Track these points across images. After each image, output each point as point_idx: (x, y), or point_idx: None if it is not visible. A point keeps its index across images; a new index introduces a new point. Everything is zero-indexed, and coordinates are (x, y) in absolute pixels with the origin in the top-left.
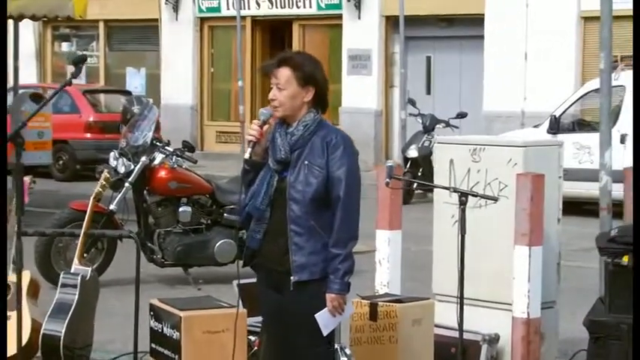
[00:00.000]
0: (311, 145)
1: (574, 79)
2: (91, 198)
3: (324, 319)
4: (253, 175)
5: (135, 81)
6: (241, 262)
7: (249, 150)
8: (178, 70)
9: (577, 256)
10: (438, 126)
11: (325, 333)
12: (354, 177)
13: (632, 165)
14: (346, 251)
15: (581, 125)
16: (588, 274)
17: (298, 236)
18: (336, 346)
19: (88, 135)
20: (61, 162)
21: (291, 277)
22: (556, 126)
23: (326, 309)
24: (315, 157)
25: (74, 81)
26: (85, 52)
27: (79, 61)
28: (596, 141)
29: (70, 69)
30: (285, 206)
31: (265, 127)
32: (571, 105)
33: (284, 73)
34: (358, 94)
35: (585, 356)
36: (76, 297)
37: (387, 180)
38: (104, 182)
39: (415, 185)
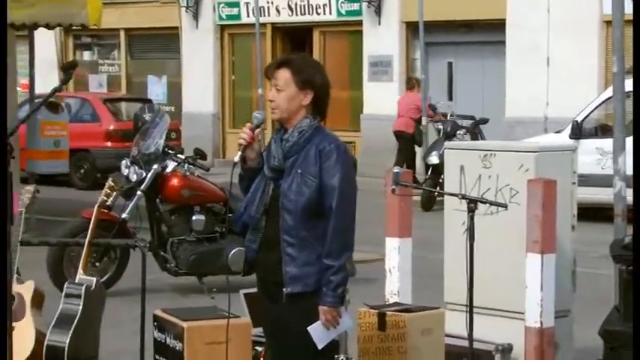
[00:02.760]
0: (305, 153)
1: (597, 84)
2: (96, 206)
3: (317, 332)
4: (248, 182)
5: (156, 89)
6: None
7: (239, 154)
8: (199, 78)
9: (597, 262)
10: (458, 132)
11: (320, 346)
12: (349, 185)
13: None
14: (339, 262)
15: (604, 130)
16: (607, 282)
17: (291, 247)
18: (342, 357)
19: (109, 143)
20: (82, 171)
21: (284, 289)
22: (578, 131)
23: (319, 322)
24: (309, 165)
25: (96, 90)
26: (76, 60)
27: (69, 68)
28: None
29: (96, 79)
30: (279, 215)
31: (257, 131)
32: (593, 110)
33: (283, 75)
34: (380, 100)
35: None
36: (80, 307)
37: (393, 187)
38: (108, 190)
39: (435, 193)
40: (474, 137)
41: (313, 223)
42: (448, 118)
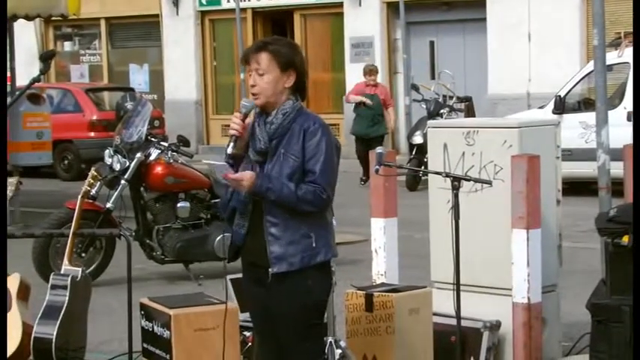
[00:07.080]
0: (290, 133)
1: (579, 59)
2: (79, 197)
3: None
4: (236, 169)
5: (138, 78)
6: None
7: (231, 145)
8: (181, 65)
9: (584, 237)
10: (442, 111)
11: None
12: (331, 166)
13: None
14: (313, 198)
15: (587, 104)
16: (595, 256)
17: (274, 227)
18: (330, 339)
19: (92, 134)
20: (65, 162)
21: (269, 270)
22: (561, 106)
23: (224, 165)
24: (292, 144)
25: (78, 80)
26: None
27: (47, 57)
28: None
29: (78, 69)
30: None
31: (247, 120)
32: (576, 84)
33: (264, 58)
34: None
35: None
36: (67, 298)
37: (377, 167)
38: (92, 180)
39: (420, 172)
40: (472, 114)
41: None
42: (449, 86)
